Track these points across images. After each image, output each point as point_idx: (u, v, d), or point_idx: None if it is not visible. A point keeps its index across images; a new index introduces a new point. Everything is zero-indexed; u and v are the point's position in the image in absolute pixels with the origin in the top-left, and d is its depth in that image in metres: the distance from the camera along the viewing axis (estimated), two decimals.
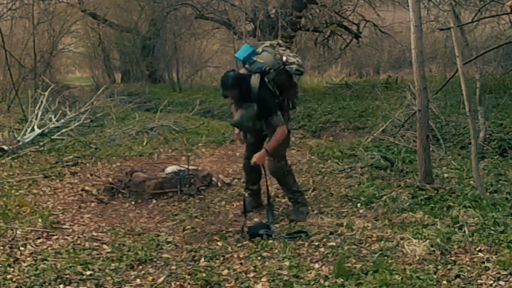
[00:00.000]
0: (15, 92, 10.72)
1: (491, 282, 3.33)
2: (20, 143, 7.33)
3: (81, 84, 18.65)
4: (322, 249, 3.94)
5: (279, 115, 4.49)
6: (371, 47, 15.89)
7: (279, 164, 4.65)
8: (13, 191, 5.55)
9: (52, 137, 8.04)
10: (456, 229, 4.07)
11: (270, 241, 4.11)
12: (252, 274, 3.63)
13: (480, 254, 3.67)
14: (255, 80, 4.46)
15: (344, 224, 4.36)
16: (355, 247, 3.94)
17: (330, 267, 3.64)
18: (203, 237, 4.35)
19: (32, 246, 4.11)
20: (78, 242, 4.26)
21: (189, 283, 3.53)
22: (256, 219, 4.73)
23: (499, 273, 3.40)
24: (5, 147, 7.03)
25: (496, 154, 6.89)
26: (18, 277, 3.56)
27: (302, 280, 3.50)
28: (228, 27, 14.40)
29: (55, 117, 8.96)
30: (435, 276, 3.42)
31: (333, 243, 4.02)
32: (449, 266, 3.54)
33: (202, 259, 3.90)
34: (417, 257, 3.69)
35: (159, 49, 17.42)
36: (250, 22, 13.05)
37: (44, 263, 3.77)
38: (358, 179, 5.67)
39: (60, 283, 3.51)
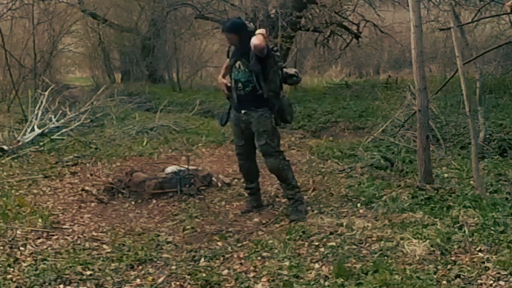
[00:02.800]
0: (15, 92, 10.70)
1: (491, 282, 3.33)
2: (20, 143, 7.32)
3: (81, 84, 18.63)
4: (322, 249, 3.94)
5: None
6: (371, 47, 15.86)
7: (277, 160, 4.67)
8: (13, 191, 5.55)
9: (52, 137, 8.04)
10: (456, 229, 4.07)
11: (270, 241, 4.12)
12: (252, 274, 3.63)
13: (480, 254, 3.67)
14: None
15: (344, 224, 4.36)
16: (355, 247, 3.94)
17: (330, 267, 3.64)
18: (203, 237, 4.35)
19: (32, 246, 4.11)
20: (78, 242, 4.26)
21: (189, 283, 3.53)
22: (256, 219, 4.74)
23: (499, 273, 3.40)
24: (5, 147, 7.02)
25: (496, 154, 6.89)
26: (18, 277, 3.56)
27: (302, 280, 3.50)
28: None
29: (55, 117, 8.95)
30: (435, 276, 3.42)
31: (333, 243, 4.02)
32: (449, 266, 3.54)
33: (202, 259, 3.90)
34: (417, 257, 3.69)
35: (159, 49, 17.40)
36: (250, 22, 13.02)
37: (44, 263, 3.77)
38: (358, 179, 5.67)
39: (60, 283, 3.51)
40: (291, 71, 4.80)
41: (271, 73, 4.60)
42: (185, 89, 15.97)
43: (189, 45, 17.53)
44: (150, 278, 3.62)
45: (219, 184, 5.74)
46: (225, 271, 3.69)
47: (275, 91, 4.66)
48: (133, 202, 5.33)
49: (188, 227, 4.58)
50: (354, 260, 3.71)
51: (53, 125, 8.61)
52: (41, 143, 7.65)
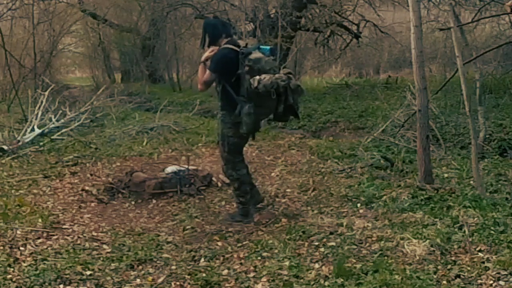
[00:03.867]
0: (15, 92, 10.71)
1: (491, 282, 3.33)
2: (20, 143, 7.32)
3: (81, 84, 18.65)
4: (322, 249, 3.94)
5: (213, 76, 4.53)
6: (371, 47, 15.87)
7: (228, 172, 4.76)
8: (13, 191, 5.55)
9: (52, 137, 8.04)
10: (456, 229, 4.07)
11: (270, 241, 4.12)
12: (252, 274, 3.63)
13: (480, 254, 3.67)
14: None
15: (344, 224, 4.36)
16: (355, 247, 3.94)
17: (330, 267, 3.64)
18: (203, 237, 4.35)
19: (32, 246, 4.11)
20: (78, 242, 4.26)
21: (189, 283, 3.53)
22: (256, 219, 4.72)
23: (499, 273, 3.41)
24: (5, 147, 7.02)
25: (496, 154, 6.90)
26: (18, 277, 3.55)
27: (302, 280, 3.50)
28: None
29: (55, 117, 8.95)
30: (435, 276, 3.42)
31: (333, 243, 4.02)
32: (449, 266, 3.55)
33: (202, 259, 3.90)
34: (417, 257, 3.69)
35: (159, 49, 17.42)
36: (250, 22, 13.04)
37: (44, 263, 3.77)
38: (358, 179, 5.67)
39: (60, 283, 3.51)
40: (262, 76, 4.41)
41: (240, 77, 4.49)
42: (185, 89, 15.98)
43: (189, 45, 17.53)
44: (150, 278, 3.62)
45: (219, 184, 5.74)
46: (225, 271, 3.69)
47: (244, 96, 4.49)
48: (133, 202, 5.33)
49: (188, 227, 4.58)
50: (354, 260, 3.71)
51: (53, 125, 8.62)
52: (41, 143, 7.65)
